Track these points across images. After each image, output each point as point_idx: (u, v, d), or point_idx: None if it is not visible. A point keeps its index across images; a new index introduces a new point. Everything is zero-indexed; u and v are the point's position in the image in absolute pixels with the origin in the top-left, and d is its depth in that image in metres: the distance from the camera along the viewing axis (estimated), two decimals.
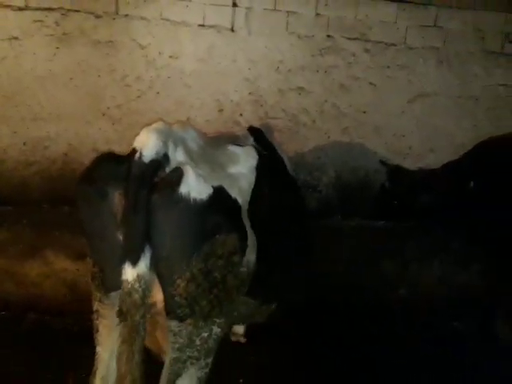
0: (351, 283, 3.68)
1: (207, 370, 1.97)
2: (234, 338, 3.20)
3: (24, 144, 3.58)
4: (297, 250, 2.49)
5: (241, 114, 3.72)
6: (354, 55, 3.77)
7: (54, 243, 3.40)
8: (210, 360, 1.96)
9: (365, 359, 3.22)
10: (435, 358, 3.29)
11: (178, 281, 1.76)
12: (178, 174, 1.74)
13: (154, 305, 1.83)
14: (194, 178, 1.75)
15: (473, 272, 3.82)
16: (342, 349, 3.31)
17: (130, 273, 1.67)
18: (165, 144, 1.78)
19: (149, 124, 1.85)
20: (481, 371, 3.12)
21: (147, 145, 1.73)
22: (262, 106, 3.73)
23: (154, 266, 1.73)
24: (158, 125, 1.84)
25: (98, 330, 1.98)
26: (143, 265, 1.68)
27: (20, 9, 3.39)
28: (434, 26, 3.83)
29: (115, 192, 1.74)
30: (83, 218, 1.86)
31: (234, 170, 2.02)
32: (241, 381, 2.95)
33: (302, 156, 3.85)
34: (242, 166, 2.07)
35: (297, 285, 2.63)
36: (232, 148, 2.17)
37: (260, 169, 2.13)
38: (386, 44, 3.80)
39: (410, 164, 3.97)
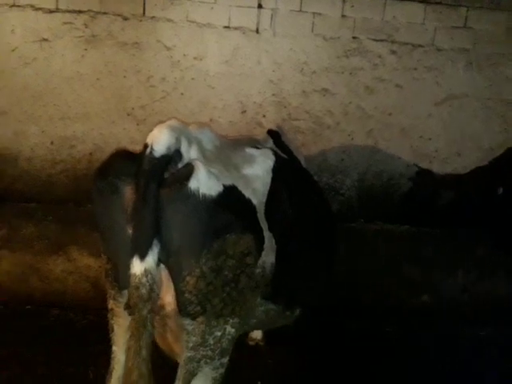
0: (371, 287, 3.63)
1: (222, 371, 1.96)
2: (251, 343, 3.19)
3: (51, 143, 3.67)
4: (320, 253, 2.45)
5: (264, 116, 3.71)
6: (380, 57, 3.72)
7: (78, 240, 3.48)
8: (224, 360, 1.95)
9: (385, 364, 3.17)
10: (458, 367, 3.20)
11: (188, 277, 1.76)
12: (188, 169, 1.74)
13: (162, 307, 1.83)
14: (204, 174, 1.74)
15: (499, 279, 3.71)
16: (361, 353, 3.26)
17: (137, 267, 1.68)
18: (177, 140, 1.79)
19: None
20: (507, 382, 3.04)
21: (158, 140, 1.74)
22: (285, 107, 3.71)
23: (165, 261, 1.74)
24: (172, 122, 1.86)
25: (113, 330, 2.01)
26: (151, 259, 1.69)
27: (50, 11, 3.48)
28: (464, 27, 3.73)
29: (126, 187, 1.76)
30: (96, 213, 1.89)
31: (249, 171, 2.01)
32: (259, 383, 2.94)
33: (324, 158, 3.81)
34: (258, 168, 2.05)
35: (320, 289, 2.59)
36: (249, 150, 2.16)
37: (277, 171, 2.11)
38: (413, 45, 3.73)
39: (436, 168, 3.89)
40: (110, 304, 1.96)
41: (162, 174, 1.73)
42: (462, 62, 3.78)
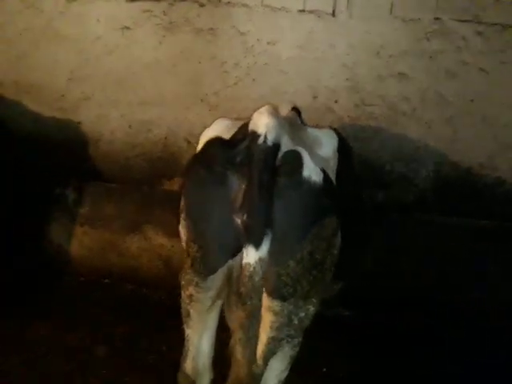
0: (441, 282, 3.48)
1: (298, 349, 2.05)
2: None
3: (130, 127, 3.86)
4: (358, 233, 2.44)
5: (336, 101, 3.63)
6: (464, 39, 3.47)
7: (153, 220, 3.65)
8: (301, 339, 2.03)
9: (434, 362, 3.04)
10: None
11: (290, 261, 1.80)
12: (297, 158, 1.78)
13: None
14: (310, 161, 1.80)
15: None
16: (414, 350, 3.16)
17: (252, 256, 1.71)
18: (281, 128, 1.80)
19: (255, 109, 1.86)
20: None
21: (271, 129, 1.75)
22: (358, 92, 3.60)
23: (269, 247, 1.77)
24: (272, 108, 1.86)
25: (188, 315, 2.06)
26: (265, 248, 1.72)
27: (132, 0, 3.63)
28: None
29: (233, 176, 1.79)
30: (191, 202, 1.92)
31: (321, 152, 2.01)
32: (324, 370, 2.95)
33: (399, 146, 3.66)
34: (327, 149, 2.05)
35: (358, 267, 2.61)
36: (311, 130, 2.16)
37: (340, 151, 2.12)
38: (502, 26, 3.44)
39: None
40: (190, 290, 1.99)
41: (275, 163, 1.75)
42: None
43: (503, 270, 3.51)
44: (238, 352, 1.83)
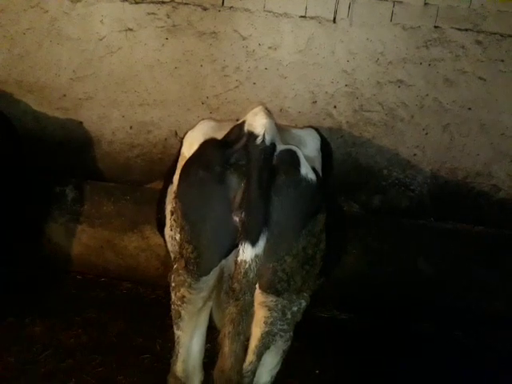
0: (437, 288, 3.50)
1: (290, 343, 2.09)
2: None
3: (130, 127, 3.90)
4: (335, 230, 2.48)
5: (335, 106, 3.67)
6: (463, 47, 3.52)
7: (151, 220, 3.67)
8: (292, 333, 2.07)
9: (452, 371, 3.06)
10: None
11: (286, 257, 1.85)
12: (293, 156, 1.83)
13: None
14: (304, 160, 1.85)
15: None
16: (430, 358, 3.17)
17: (248, 253, 1.75)
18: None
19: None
20: None
21: (268, 129, 1.79)
22: (357, 98, 3.64)
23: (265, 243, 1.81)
24: (265, 108, 1.90)
25: (179, 316, 2.07)
26: (261, 245, 1.76)
27: (136, 2, 3.67)
28: None
29: (233, 176, 1.82)
30: (189, 203, 1.92)
31: (307, 151, 2.03)
32: (317, 371, 2.97)
33: (396, 152, 3.69)
34: (311, 148, 2.10)
35: (337, 263, 2.63)
36: (294, 130, 2.21)
37: (323, 150, 2.17)
38: (501, 35, 3.48)
39: None
40: (182, 291, 2.00)
41: (272, 162, 1.79)
42: None
43: (499, 276, 3.53)
44: (226, 345, 1.83)
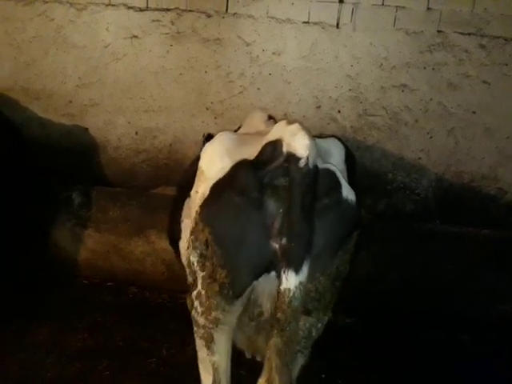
0: (444, 293, 3.48)
1: (307, 358, 2.04)
2: None
3: (136, 133, 3.93)
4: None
5: (339, 111, 3.68)
6: (466, 51, 3.52)
7: (157, 225, 3.70)
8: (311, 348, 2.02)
9: (460, 376, 3.04)
10: None
11: (321, 278, 1.79)
12: (333, 177, 1.78)
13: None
14: (343, 180, 1.79)
15: None
16: (437, 363, 3.16)
17: (292, 280, 1.65)
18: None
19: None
20: None
21: (311, 151, 1.69)
22: (361, 102, 3.65)
23: None
24: (303, 127, 1.78)
25: (212, 340, 1.96)
26: (305, 271, 1.68)
27: (141, 9, 3.71)
28: None
29: (270, 200, 1.74)
30: (222, 229, 1.82)
31: (335, 164, 1.93)
32: (323, 376, 2.97)
33: (400, 156, 3.70)
34: (337, 160, 1.98)
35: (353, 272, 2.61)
36: (318, 141, 2.06)
37: (346, 161, 2.07)
38: (505, 39, 3.48)
39: None
40: (214, 315, 1.91)
41: (315, 186, 1.70)
42: None
43: (507, 279, 3.50)
44: (275, 381, 1.74)
